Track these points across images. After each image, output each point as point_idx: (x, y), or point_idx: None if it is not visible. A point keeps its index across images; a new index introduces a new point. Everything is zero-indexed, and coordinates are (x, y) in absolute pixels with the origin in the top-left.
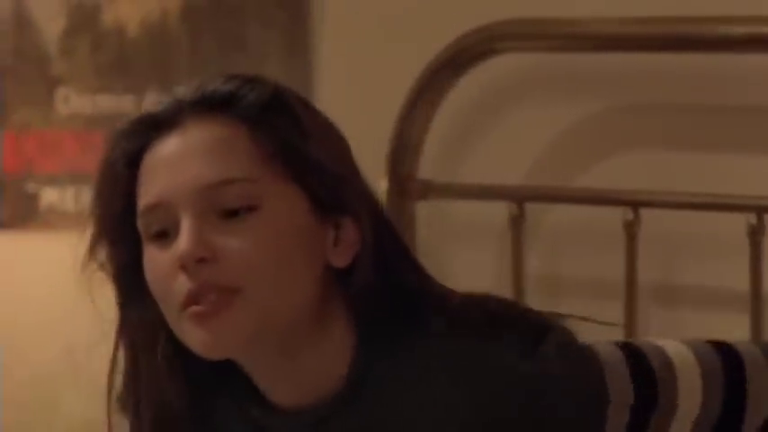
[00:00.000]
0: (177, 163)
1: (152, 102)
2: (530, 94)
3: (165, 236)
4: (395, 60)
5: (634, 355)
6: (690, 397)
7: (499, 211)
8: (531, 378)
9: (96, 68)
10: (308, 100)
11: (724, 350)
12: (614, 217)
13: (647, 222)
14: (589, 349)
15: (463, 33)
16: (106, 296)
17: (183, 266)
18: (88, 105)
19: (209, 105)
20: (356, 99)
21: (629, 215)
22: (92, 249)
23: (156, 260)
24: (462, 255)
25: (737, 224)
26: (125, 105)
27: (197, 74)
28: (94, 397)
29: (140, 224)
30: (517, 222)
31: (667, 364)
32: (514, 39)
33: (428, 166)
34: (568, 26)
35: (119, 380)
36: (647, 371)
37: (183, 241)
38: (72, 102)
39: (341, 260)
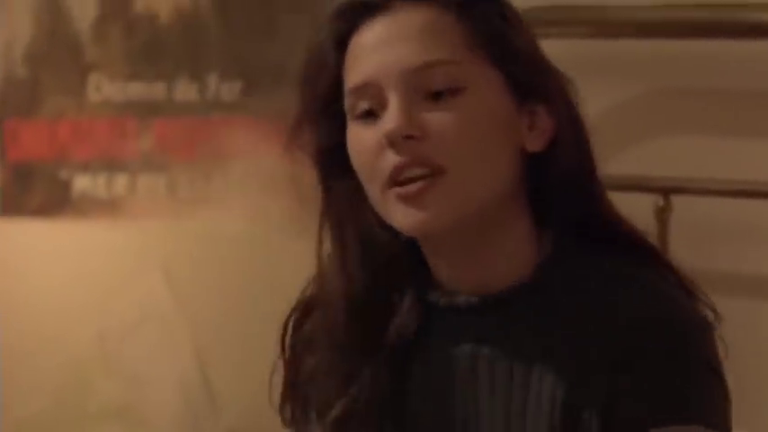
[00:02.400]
0: (386, 45)
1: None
2: None
3: (371, 115)
4: None
5: None
6: None
7: None
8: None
9: (128, 55)
10: None
11: None
12: (646, 203)
13: (678, 209)
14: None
15: None
16: (141, 286)
17: (392, 142)
18: (120, 92)
19: None
20: None
21: (661, 202)
22: (295, 129)
23: (362, 138)
24: None
25: None
26: (156, 92)
27: (228, 61)
28: (126, 383)
29: (347, 103)
30: None
31: None
32: (547, 25)
33: None
34: (601, 13)
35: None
36: None
37: (392, 118)
38: (104, 89)
39: (536, 144)
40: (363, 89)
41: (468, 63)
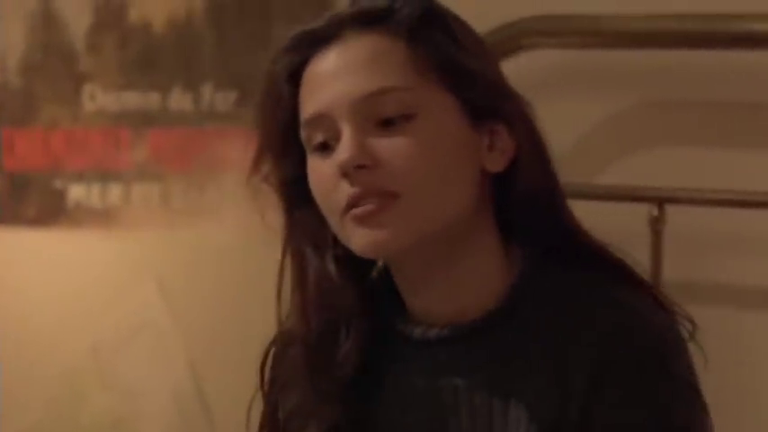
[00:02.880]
0: (337, 75)
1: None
2: (555, 90)
3: (326, 147)
4: None
5: None
6: None
7: None
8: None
9: (122, 65)
10: (459, 15)
11: None
12: (640, 213)
13: (672, 219)
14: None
15: (489, 30)
16: (136, 296)
17: (345, 173)
18: (114, 102)
19: (367, 20)
20: None
21: (655, 212)
22: (256, 163)
23: (318, 169)
24: None
25: (764, 221)
26: (150, 102)
27: (222, 71)
28: (120, 395)
29: (303, 135)
30: None
31: None
32: (541, 35)
33: None
34: (594, 23)
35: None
36: None
37: (344, 149)
38: (98, 98)
39: (496, 165)
40: (318, 121)
41: (419, 88)
